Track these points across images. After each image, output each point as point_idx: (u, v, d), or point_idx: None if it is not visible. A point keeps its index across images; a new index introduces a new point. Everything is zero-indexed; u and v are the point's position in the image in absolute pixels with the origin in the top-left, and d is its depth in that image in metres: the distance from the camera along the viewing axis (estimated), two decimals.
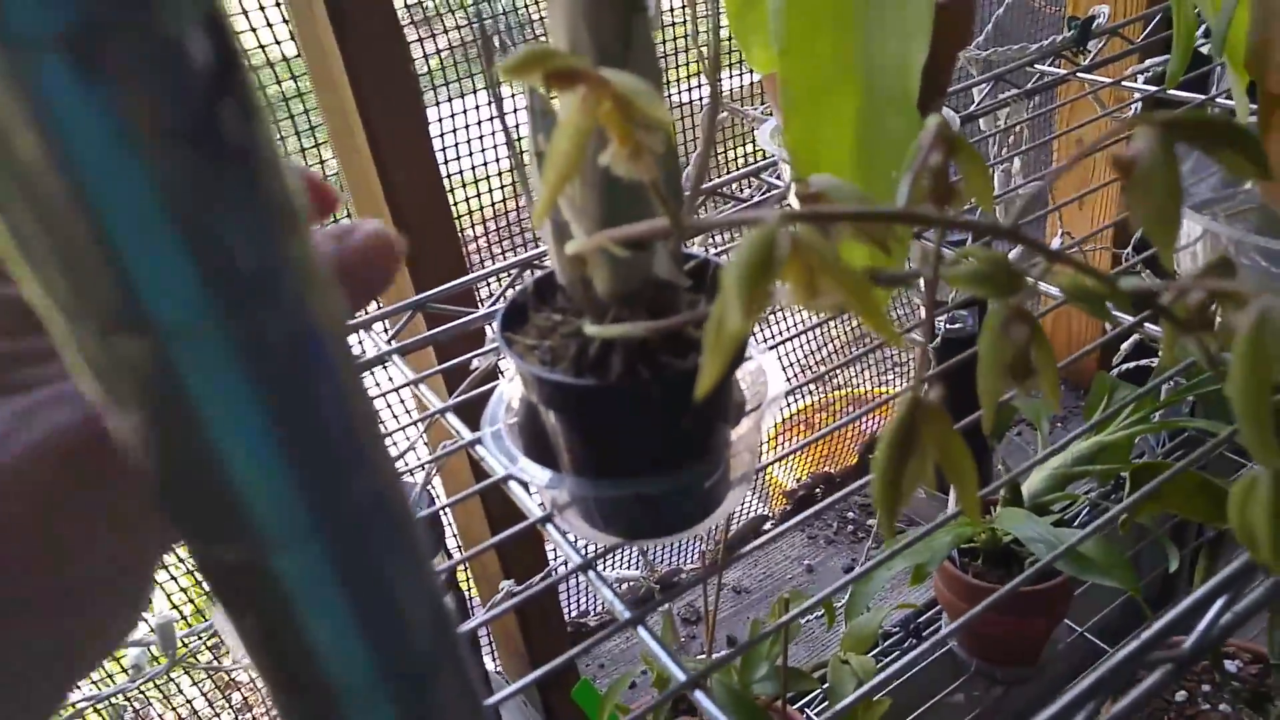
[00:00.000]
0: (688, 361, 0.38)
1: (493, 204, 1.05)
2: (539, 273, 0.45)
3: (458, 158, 0.96)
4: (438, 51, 0.93)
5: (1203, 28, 0.73)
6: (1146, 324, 0.99)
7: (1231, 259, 0.27)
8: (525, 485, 0.50)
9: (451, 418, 0.57)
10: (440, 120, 0.93)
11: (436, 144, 0.90)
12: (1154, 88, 0.88)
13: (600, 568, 0.46)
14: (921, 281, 0.28)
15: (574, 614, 1.40)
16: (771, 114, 0.79)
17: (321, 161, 0.87)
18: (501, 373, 0.89)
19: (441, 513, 1.06)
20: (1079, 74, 0.94)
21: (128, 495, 0.20)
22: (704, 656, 0.87)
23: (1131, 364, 1.27)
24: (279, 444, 0.14)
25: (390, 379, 0.65)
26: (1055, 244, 1.14)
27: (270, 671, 0.16)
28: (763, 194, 0.84)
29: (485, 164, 1.00)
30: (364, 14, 0.72)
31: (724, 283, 0.22)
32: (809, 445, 1.62)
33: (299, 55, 0.78)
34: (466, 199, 1.01)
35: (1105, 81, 0.93)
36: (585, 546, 0.45)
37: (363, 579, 0.15)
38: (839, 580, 0.47)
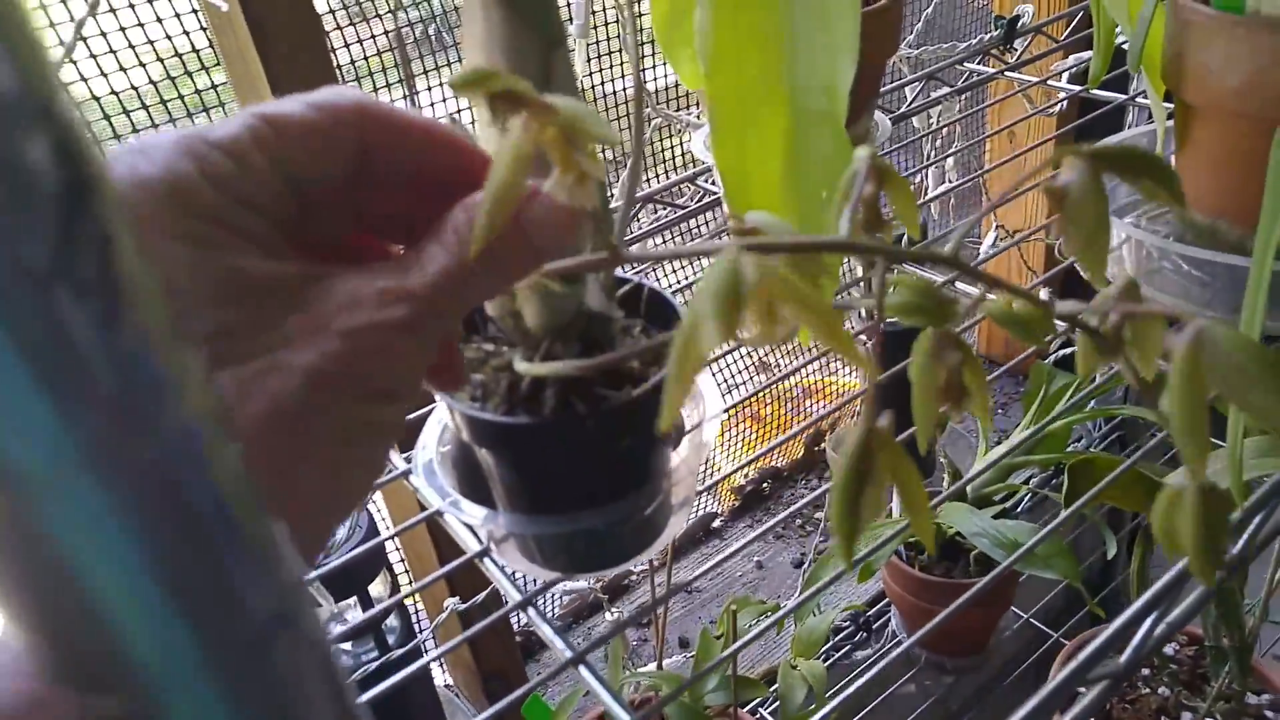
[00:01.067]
0: (623, 393, 0.38)
1: None
2: None
3: None
4: (376, 40, 0.90)
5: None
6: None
7: (1137, 281, 0.27)
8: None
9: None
10: None
11: None
12: (1078, 86, 0.89)
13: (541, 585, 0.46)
14: (861, 311, 0.27)
15: (524, 623, 1.39)
16: (705, 120, 0.79)
17: None
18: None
19: (383, 523, 1.05)
20: (1006, 73, 0.95)
21: (330, 442, 0.25)
22: (655, 667, 0.87)
23: (1069, 350, 1.29)
24: (156, 579, 0.13)
25: None
26: (990, 239, 1.15)
27: None
28: (699, 200, 0.84)
29: None
30: (283, 19, 0.70)
31: (697, 311, 0.21)
32: (757, 440, 1.63)
33: (216, 59, 0.76)
34: None
35: (1032, 80, 0.94)
36: (525, 580, 0.44)
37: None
38: (789, 574, 0.47)
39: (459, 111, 1.01)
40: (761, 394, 1.64)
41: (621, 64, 1.04)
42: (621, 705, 0.39)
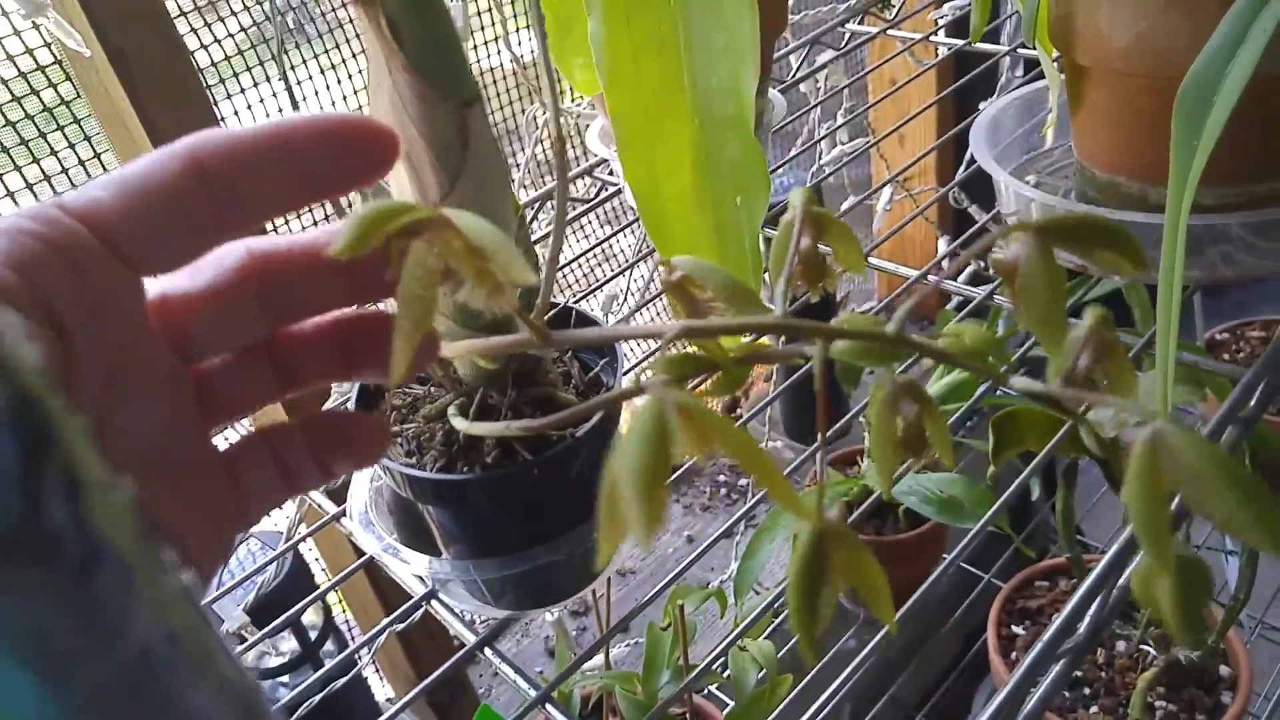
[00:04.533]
0: (565, 434, 0.37)
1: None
2: None
3: None
4: (234, 37, 0.86)
5: None
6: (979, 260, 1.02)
7: (1108, 328, 0.26)
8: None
9: (314, 493, 0.54)
10: (237, 114, 0.87)
11: None
12: (959, 41, 0.90)
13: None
14: (814, 367, 0.27)
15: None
16: (597, 113, 0.77)
17: (105, 171, 0.80)
18: None
19: (307, 544, 1.02)
20: (888, 32, 0.95)
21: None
22: (601, 664, 0.86)
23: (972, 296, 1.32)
24: None
25: None
26: (886, 195, 1.16)
27: None
28: (598, 192, 0.82)
29: None
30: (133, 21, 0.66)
31: (619, 484, 0.20)
32: None
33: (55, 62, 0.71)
34: None
35: (915, 37, 0.94)
36: (472, 618, 0.43)
37: None
38: (720, 546, 0.47)
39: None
40: None
41: (499, 34, 1.02)
42: None
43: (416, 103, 0.27)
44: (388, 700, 1.24)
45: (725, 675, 0.79)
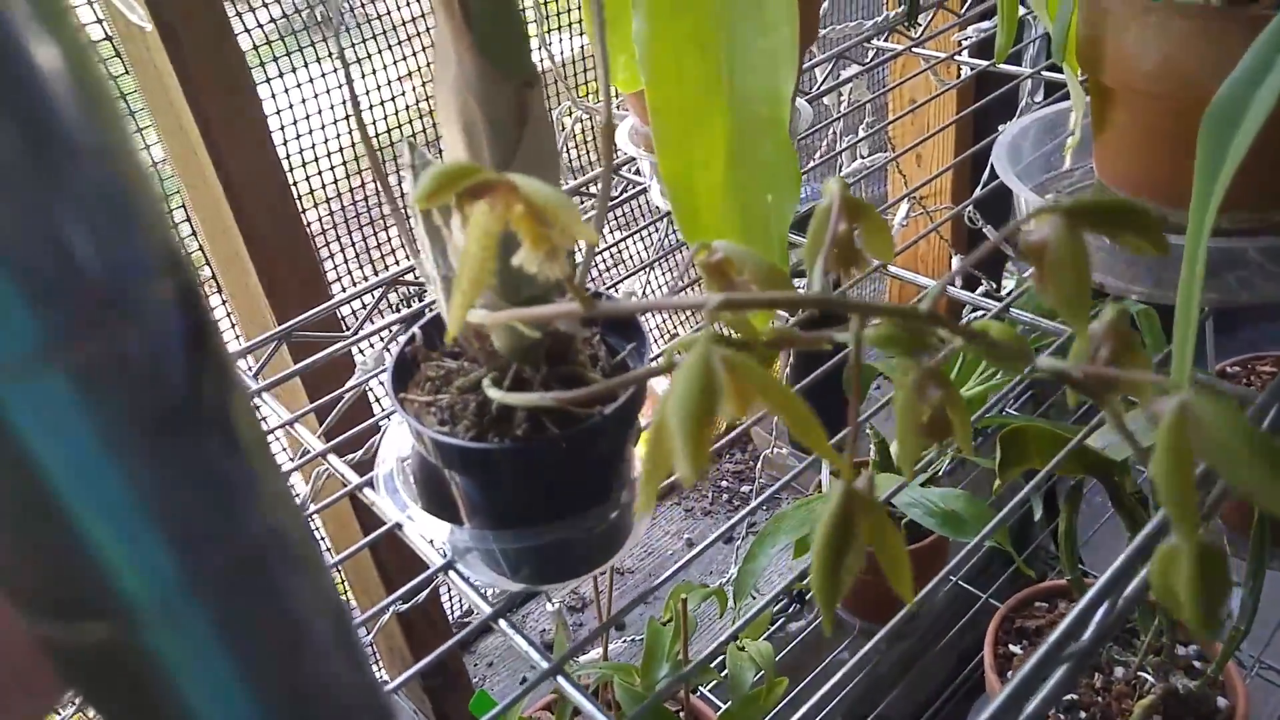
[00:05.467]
0: (594, 412, 0.38)
1: (334, 181, 1.00)
2: (412, 304, 0.44)
3: (297, 137, 0.91)
4: (270, 23, 0.87)
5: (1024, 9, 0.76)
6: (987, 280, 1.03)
7: (1126, 310, 0.28)
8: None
9: (334, 459, 0.55)
10: (274, 98, 0.88)
11: (278, 137, 0.85)
12: (983, 62, 0.91)
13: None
14: (850, 355, 0.28)
15: (458, 615, 1.38)
16: (628, 113, 0.79)
17: (154, 165, 0.81)
18: (377, 400, 0.86)
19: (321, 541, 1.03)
20: (913, 50, 0.97)
21: None
22: (598, 654, 0.87)
23: (981, 313, 1.32)
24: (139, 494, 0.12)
25: (266, 419, 0.62)
26: (903, 211, 1.18)
27: None
28: (623, 191, 0.84)
29: (326, 140, 0.95)
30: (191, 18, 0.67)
31: (667, 422, 0.21)
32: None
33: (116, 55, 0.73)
34: (308, 178, 0.95)
35: (939, 56, 0.95)
36: (490, 592, 0.44)
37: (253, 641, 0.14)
38: (720, 551, 0.47)
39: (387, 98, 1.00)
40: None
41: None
42: (600, 710, 0.39)
43: (480, 82, 0.29)
44: (383, 682, 1.25)
45: (723, 674, 0.80)
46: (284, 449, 0.84)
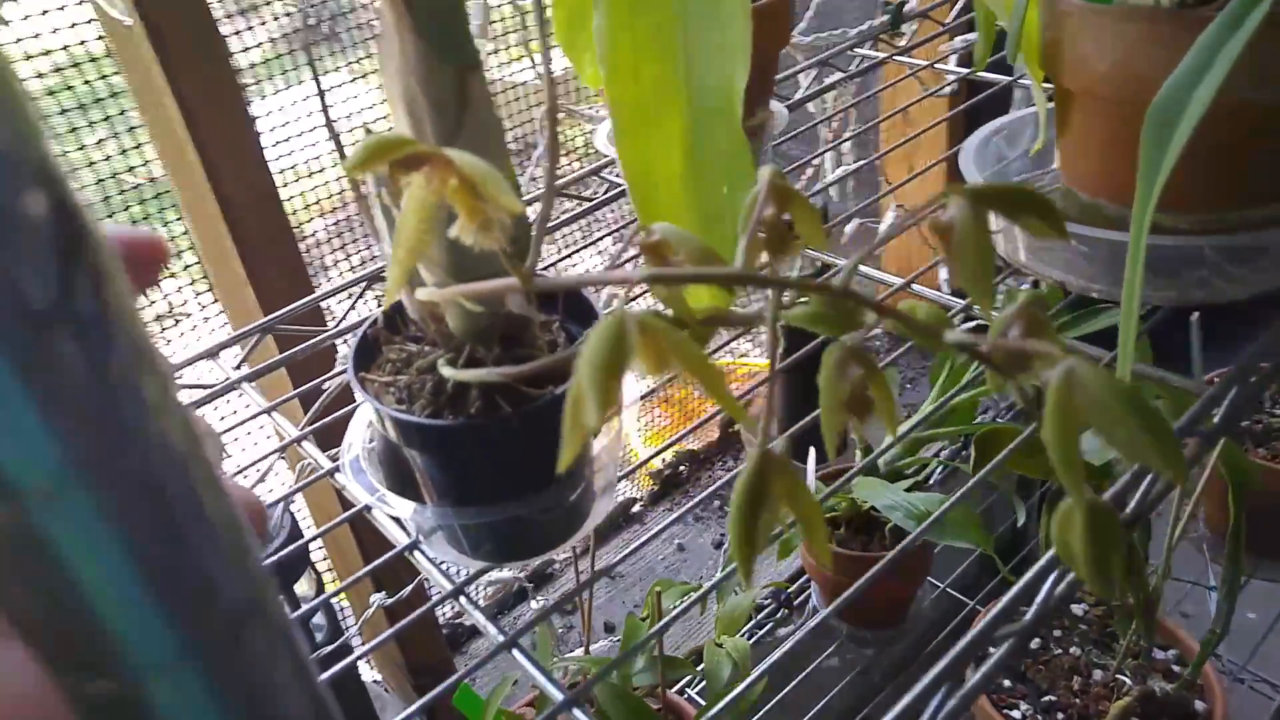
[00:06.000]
0: (546, 392, 0.39)
1: (329, 196, 1.03)
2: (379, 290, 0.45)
3: (290, 153, 0.93)
4: (273, 41, 0.90)
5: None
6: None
7: (1042, 296, 0.29)
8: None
9: (308, 445, 0.57)
10: (270, 114, 0.90)
11: (270, 141, 0.87)
12: (965, 69, 0.93)
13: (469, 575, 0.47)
14: (765, 329, 0.29)
15: (449, 615, 1.39)
16: (606, 115, 0.80)
17: (146, 163, 0.84)
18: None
19: (305, 524, 1.05)
20: (896, 58, 0.98)
21: None
22: (582, 651, 0.88)
23: (972, 323, 1.33)
24: (139, 572, 0.14)
25: (249, 406, 0.64)
26: (889, 218, 1.19)
27: None
28: (605, 192, 0.85)
29: (319, 156, 0.97)
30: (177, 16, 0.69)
31: (579, 377, 0.22)
32: (673, 424, 1.65)
33: (109, 54, 0.75)
34: (302, 194, 0.98)
35: (921, 64, 0.97)
36: (456, 570, 0.45)
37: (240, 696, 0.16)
38: (710, 555, 0.49)
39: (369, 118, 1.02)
40: (673, 379, 1.66)
41: (516, 52, 1.05)
42: (555, 684, 0.40)
43: (421, 65, 0.30)
44: (375, 682, 1.26)
45: (700, 670, 0.81)
46: (269, 439, 0.86)
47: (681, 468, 1.67)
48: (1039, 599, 0.43)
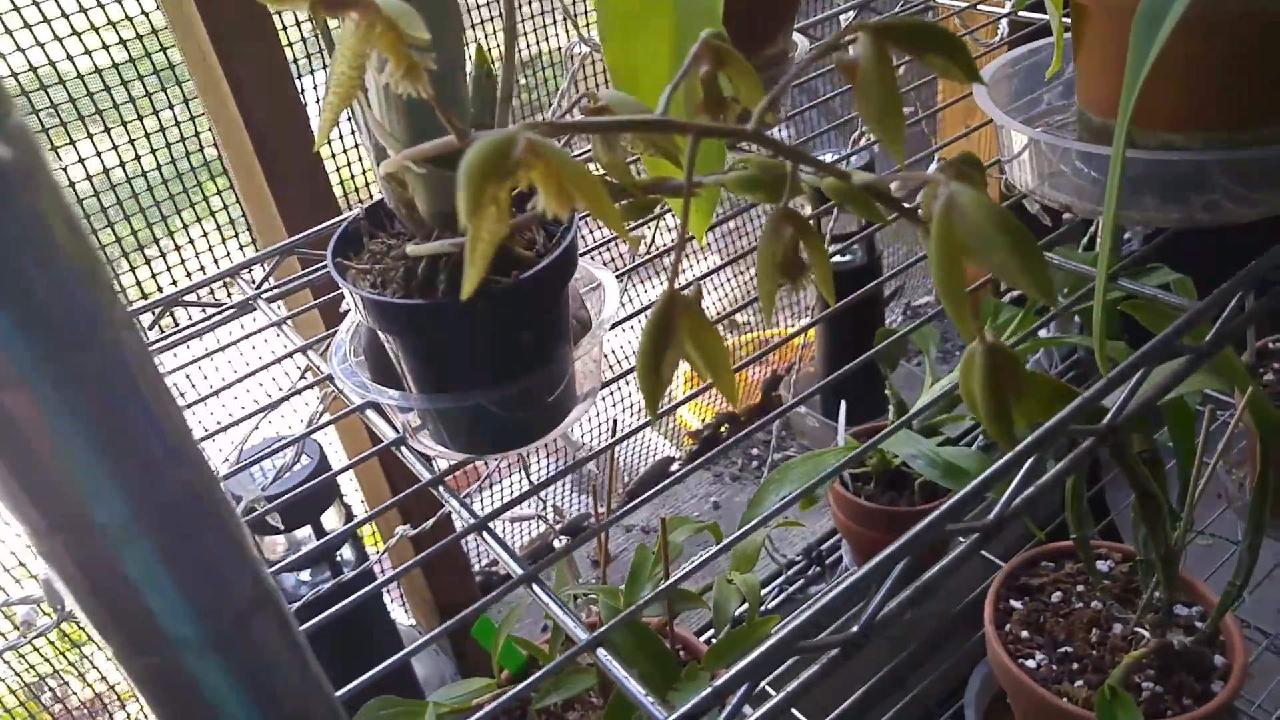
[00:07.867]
0: (510, 278, 0.40)
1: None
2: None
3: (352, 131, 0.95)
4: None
5: None
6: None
7: (974, 159, 0.29)
8: (384, 415, 0.51)
9: (313, 355, 0.58)
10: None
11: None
12: (1003, 10, 0.91)
13: (504, 515, 0.47)
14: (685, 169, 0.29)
15: (485, 563, 1.41)
16: None
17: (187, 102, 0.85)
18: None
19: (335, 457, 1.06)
20: (934, 0, 0.97)
21: None
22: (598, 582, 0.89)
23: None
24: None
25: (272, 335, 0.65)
26: (933, 168, 1.17)
27: None
28: None
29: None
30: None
31: (458, 182, 0.23)
32: (707, 390, 1.65)
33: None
34: (345, 150, 0.99)
35: (960, 5, 0.95)
36: (481, 506, 0.46)
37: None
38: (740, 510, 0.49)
39: None
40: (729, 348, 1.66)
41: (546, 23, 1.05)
42: (571, 616, 0.40)
43: None
44: (411, 625, 1.28)
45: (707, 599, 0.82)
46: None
47: (722, 428, 1.67)
48: (1001, 502, 0.44)
